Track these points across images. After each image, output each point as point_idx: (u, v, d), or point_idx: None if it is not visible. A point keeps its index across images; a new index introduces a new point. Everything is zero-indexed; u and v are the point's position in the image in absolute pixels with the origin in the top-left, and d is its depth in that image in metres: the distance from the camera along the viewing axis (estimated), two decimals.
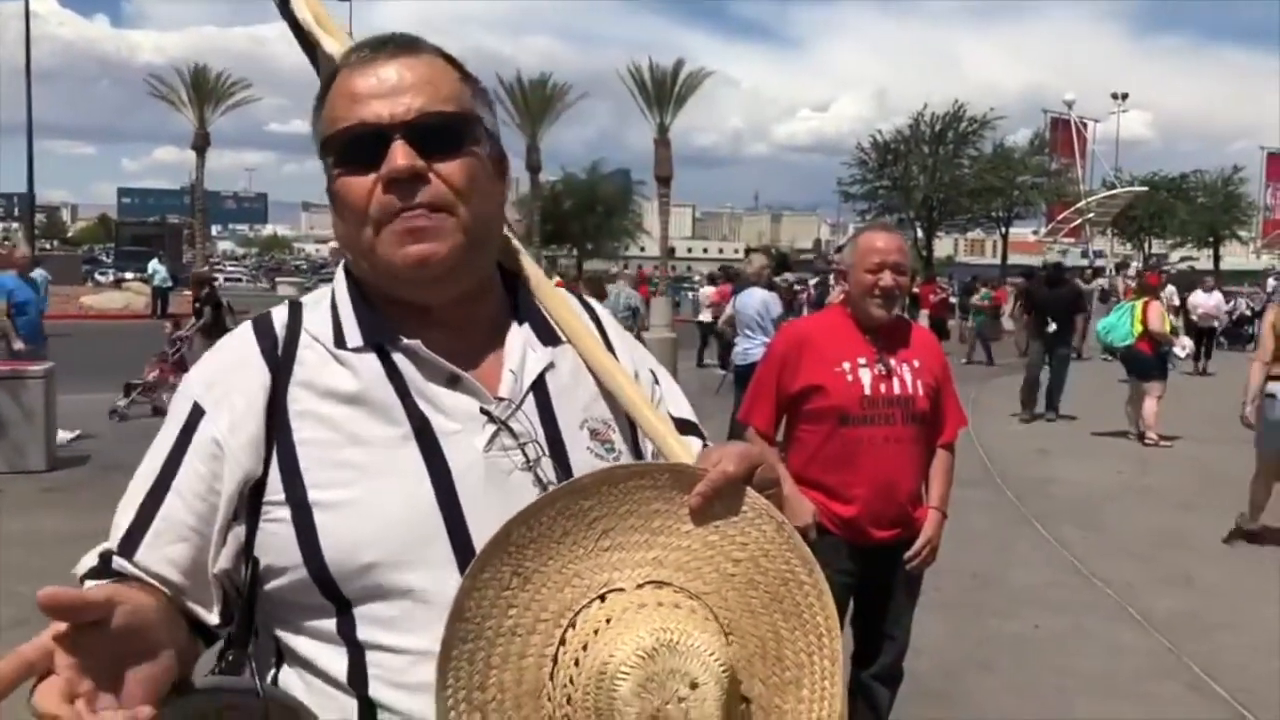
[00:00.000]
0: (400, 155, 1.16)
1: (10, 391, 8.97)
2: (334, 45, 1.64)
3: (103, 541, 1.18)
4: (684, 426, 1.38)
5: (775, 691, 1.15)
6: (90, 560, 1.17)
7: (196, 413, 1.18)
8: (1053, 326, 12.96)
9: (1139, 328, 10.76)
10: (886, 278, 3.39)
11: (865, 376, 3.40)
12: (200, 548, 1.16)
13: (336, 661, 1.14)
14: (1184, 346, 10.99)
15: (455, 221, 1.18)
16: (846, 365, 3.41)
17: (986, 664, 5.08)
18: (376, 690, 1.13)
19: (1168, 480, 9.58)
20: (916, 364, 3.47)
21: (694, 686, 1.02)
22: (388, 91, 1.18)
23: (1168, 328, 10.92)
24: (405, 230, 1.17)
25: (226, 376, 1.21)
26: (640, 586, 1.10)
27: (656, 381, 1.42)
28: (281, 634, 1.19)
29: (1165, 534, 7.58)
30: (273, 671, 1.20)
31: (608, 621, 1.05)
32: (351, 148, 1.19)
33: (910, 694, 4.42)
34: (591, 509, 1.10)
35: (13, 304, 9.71)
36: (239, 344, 1.24)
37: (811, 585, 1.17)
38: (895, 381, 3.41)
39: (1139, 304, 11.01)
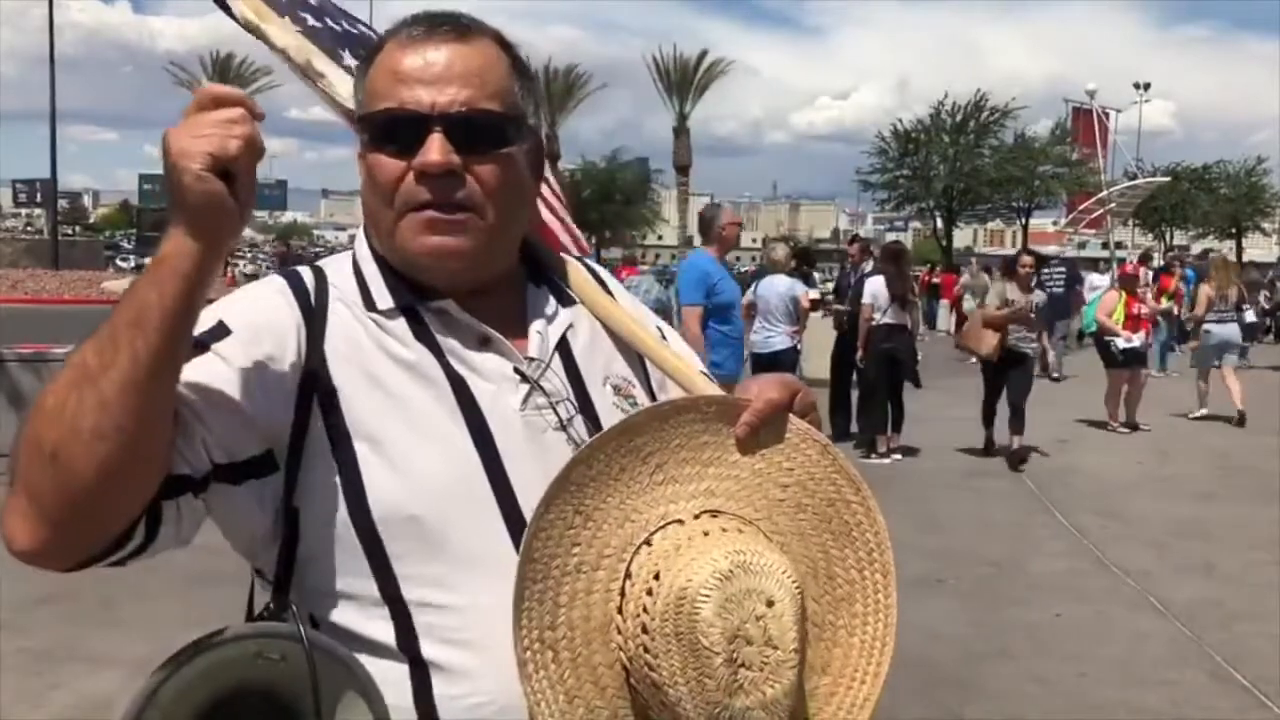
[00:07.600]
0: (436, 150, 1.13)
1: (36, 374, 9.04)
2: (280, 36, 1.66)
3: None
4: None
5: (829, 609, 1.19)
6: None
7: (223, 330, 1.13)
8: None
9: (1121, 317, 11.38)
10: None
11: None
12: (229, 406, 1.09)
13: (381, 627, 1.11)
14: (1128, 339, 11.28)
15: (483, 223, 1.17)
16: None
17: (1006, 652, 5.07)
18: (429, 650, 1.10)
19: (1188, 470, 9.52)
20: None
21: (770, 604, 1.05)
22: (434, 78, 1.15)
23: (1120, 319, 11.42)
24: (429, 220, 1.15)
25: (260, 319, 1.15)
26: (697, 516, 1.13)
27: (664, 337, 1.41)
28: (319, 610, 1.13)
29: (1185, 523, 7.55)
30: None
31: (676, 550, 1.08)
32: (389, 129, 1.16)
33: (930, 682, 4.44)
34: (645, 445, 1.13)
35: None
36: (271, 290, 1.20)
37: (859, 504, 1.20)
38: None
39: (1124, 295, 11.68)
